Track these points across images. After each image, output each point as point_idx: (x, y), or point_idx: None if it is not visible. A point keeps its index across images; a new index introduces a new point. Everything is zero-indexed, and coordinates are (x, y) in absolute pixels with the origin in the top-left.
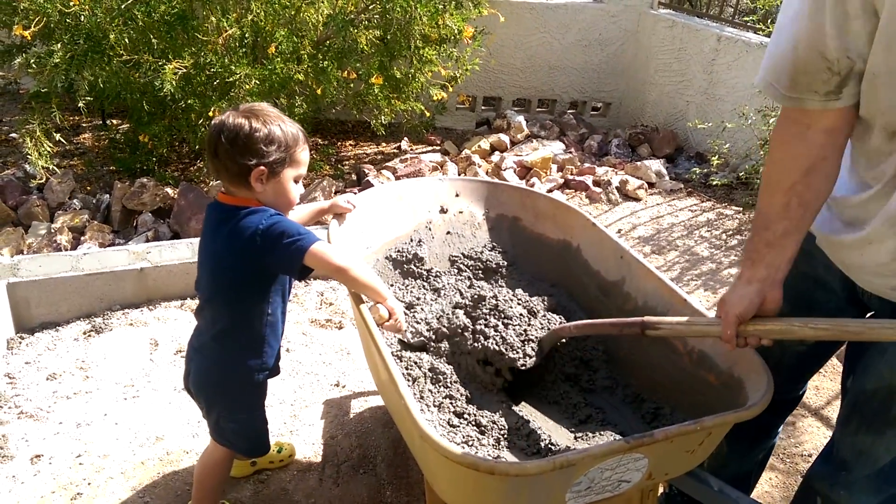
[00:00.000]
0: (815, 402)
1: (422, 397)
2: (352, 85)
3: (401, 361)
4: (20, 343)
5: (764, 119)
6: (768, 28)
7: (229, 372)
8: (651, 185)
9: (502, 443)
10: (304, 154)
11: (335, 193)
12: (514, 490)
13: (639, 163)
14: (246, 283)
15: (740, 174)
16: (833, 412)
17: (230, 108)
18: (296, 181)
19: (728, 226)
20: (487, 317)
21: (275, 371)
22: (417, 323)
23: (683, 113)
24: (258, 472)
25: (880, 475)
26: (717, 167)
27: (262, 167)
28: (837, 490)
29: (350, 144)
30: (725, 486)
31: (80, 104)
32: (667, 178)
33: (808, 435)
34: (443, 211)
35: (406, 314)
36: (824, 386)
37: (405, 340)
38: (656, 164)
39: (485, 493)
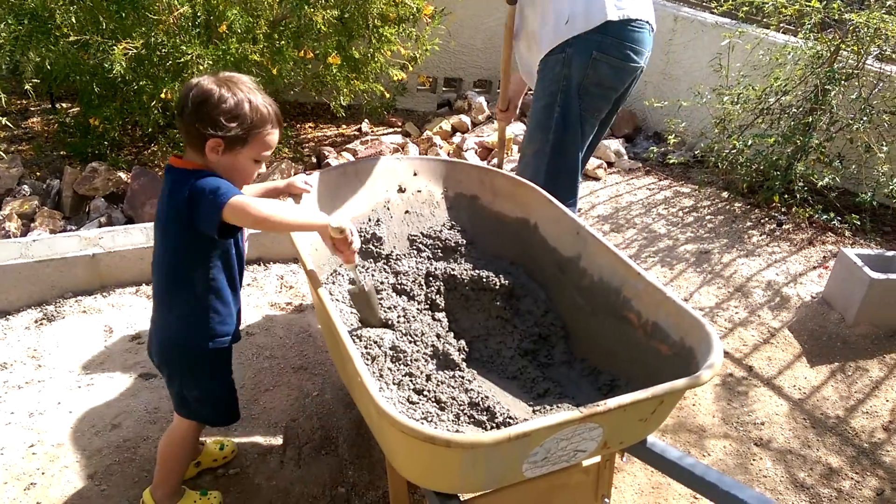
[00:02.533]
0: (767, 371)
1: (381, 375)
2: (309, 66)
3: (360, 340)
4: None
5: (719, 98)
6: (723, 7)
7: (184, 339)
8: (610, 164)
9: (462, 418)
10: (270, 137)
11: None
12: (470, 462)
13: None
14: (185, 246)
15: (696, 152)
16: (784, 381)
17: (211, 74)
18: (256, 161)
19: (684, 203)
20: None
21: (235, 337)
22: (387, 309)
23: (641, 93)
24: (207, 469)
25: None
26: (673, 146)
27: (218, 139)
28: None
29: (310, 127)
30: (682, 455)
31: (27, 86)
32: (625, 157)
33: (760, 403)
34: (401, 190)
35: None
36: (776, 356)
37: (356, 285)
38: (615, 144)
39: (442, 466)
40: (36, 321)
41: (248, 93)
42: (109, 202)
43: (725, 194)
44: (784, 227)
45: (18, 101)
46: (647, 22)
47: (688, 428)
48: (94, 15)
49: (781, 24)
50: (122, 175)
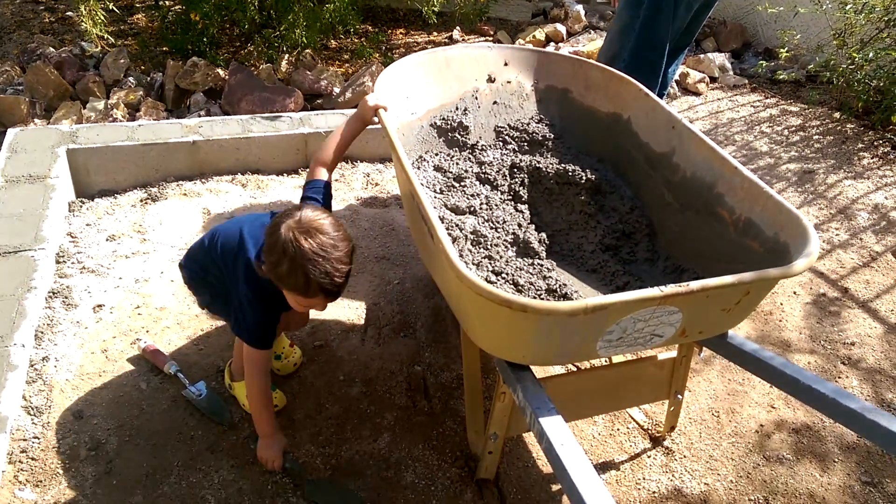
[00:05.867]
0: (863, 294)
1: (461, 256)
2: None
3: (442, 222)
4: (81, 206)
5: (841, 7)
6: None
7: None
8: (713, 79)
9: None
10: (305, 301)
11: None
12: (545, 331)
13: (702, 56)
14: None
15: (810, 67)
16: (881, 305)
17: (300, 210)
18: (300, 305)
19: (791, 122)
20: None
21: None
22: (470, 197)
23: (754, 4)
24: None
25: None
26: (785, 61)
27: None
28: None
29: (401, 33)
30: (760, 348)
31: None
32: (730, 73)
33: (852, 324)
34: (490, 80)
35: (454, 187)
36: (875, 280)
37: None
38: (720, 58)
39: (517, 333)
40: (141, 200)
41: (300, 254)
42: (208, 97)
43: (837, 114)
44: None
45: None
46: None
47: (772, 341)
48: None
49: None
50: (220, 72)
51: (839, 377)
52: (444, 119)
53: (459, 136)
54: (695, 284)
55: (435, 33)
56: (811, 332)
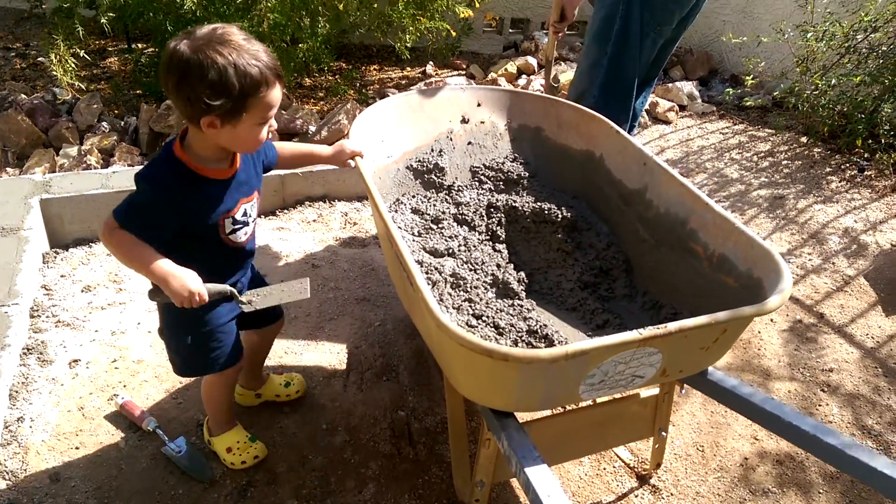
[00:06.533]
0: (839, 319)
1: (441, 300)
2: (375, 5)
3: (421, 266)
4: (55, 258)
5: (802, 35)
6: None
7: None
8: (682, 107)
9: (520, 344)
10: (268, 98)
11: None
12: (528, 379)
13: (670, 84)
14: None
15: (775, 94)
16: (857, 329)
17: (188, 32)
18: (260, 124)
19: (760, 148)
20: None
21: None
22: (448, 238)
23: (719, 34)
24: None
25: None
26: (751, 87)
27: (210, 116)
28: None
29: (374, 69)
30: (739, 384)
31: (103, 20)
32: (699, 100)
33: (830, 350)
34: (464, 121)
35: (432, 229)
36: (850, 304)
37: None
38: (688, 86)
39: (500, 382)
40: None
41: (233, 53)
42: None
43: (804, 139)
44: (866, 173)
45: (97, 41)
46: None
47: (752, 370)
48: None
49: None
50: None
51: (819, 405)
52: (419, 161)
53: (436, 178)
54: (672, 326)
55: (408, 68)
56: (790, 360)
